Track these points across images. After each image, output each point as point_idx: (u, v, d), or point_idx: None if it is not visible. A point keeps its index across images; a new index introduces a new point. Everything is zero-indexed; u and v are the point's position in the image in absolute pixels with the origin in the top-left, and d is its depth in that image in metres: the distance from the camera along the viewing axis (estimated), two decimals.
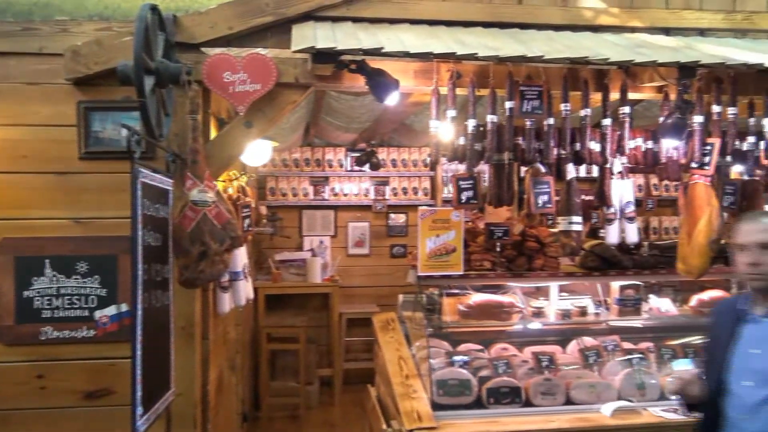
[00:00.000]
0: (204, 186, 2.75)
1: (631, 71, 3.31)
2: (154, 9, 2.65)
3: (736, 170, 3.59)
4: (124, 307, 2.98)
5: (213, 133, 3.33)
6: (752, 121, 3.46)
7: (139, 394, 2.24)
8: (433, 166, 6.76)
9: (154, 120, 2.56)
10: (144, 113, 2.47)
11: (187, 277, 2.74)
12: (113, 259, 2.99)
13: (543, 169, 3.36)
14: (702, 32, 3.73)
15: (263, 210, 6.25)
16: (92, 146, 3.04)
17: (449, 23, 3.44)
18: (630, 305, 3.83)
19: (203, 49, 3.14)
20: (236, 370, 4.40)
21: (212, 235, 2.74)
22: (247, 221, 3.70)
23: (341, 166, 6.89)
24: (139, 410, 2.24)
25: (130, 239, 2.29)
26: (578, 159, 3.40)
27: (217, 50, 3.11)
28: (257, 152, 4.49)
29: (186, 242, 2.69)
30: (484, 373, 3.38)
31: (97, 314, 2.98)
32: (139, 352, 2.26)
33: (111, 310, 2.99)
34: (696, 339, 3.75)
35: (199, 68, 2.94)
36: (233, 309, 3.58)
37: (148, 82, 2.50)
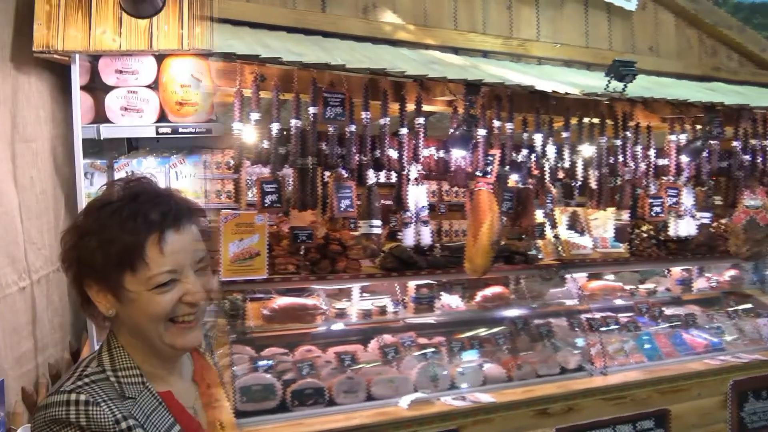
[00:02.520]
0: None
1: (425, 85, 3.55)
2: None
3: (513, 179, 4.02)
4: None
5: None
6: (525, 135, 3.92)
7: None
8: (236, 168, 6.60)
9: None
10: None
11: None
12: None
13: (345, 174, 3.46)
14: (485, 54, 4.14)
15: None
16: None
17: (253, 25, 3.42)
18: (425, 303, 4.10)
19: None
20: None
21: None
22: None
23: None
24: None
25: None
26: (378, 165, 3.57)
27: None
28: None
29: None
30: (288, 376, 3.39)
31: None
32: None
33: None
34: (482, 331, 4.14)
35: None
36: None
37: None
